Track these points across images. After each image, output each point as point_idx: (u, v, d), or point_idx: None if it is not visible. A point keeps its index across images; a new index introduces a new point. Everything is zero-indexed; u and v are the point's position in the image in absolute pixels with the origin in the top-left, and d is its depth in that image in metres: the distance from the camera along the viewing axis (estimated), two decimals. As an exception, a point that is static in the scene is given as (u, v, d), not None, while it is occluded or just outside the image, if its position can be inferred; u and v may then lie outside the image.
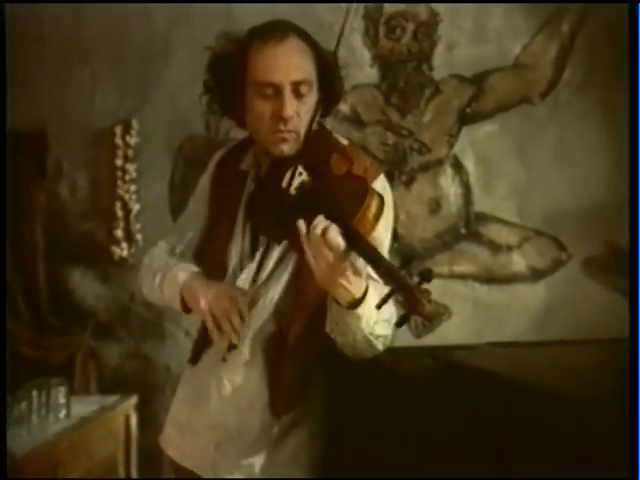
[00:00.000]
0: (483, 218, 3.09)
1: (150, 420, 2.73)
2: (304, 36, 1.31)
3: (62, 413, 2.45)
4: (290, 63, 1.27)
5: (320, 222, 1.12)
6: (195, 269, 1.39)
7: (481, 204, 3.09)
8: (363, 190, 1.18)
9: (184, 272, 1.37)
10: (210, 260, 1.41)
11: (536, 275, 3.08)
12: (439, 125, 3.09)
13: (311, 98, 1.29)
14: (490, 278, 3.07)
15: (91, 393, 2.91)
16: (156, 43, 3.00)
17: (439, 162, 3.10)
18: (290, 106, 1.27)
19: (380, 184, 1.31)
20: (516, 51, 3.08)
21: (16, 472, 2.03)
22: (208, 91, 1.38)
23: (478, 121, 3.10)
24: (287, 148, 1.30)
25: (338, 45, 1.27)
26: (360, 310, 1.17)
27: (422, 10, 3.09)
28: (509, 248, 3.08)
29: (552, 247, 3.07)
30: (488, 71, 3.08)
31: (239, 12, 2.88)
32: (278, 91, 1.27)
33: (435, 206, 3.10)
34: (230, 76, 1.31)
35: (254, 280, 1.28)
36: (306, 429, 1.38)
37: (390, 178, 3.09)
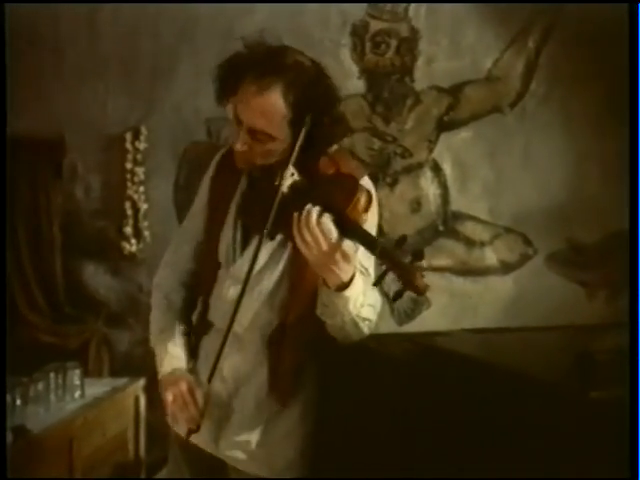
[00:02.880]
0: (459, 216, 3.12)
1: (157, 400, 2.71)
2: (292, 85, 1.22)
3: (77, 393, 2.45)
4: (256, 116, 1.23)
5: (314, 210, 1.12)
6: (178, 361, 1.38)
7: (457, 204, 3.12)
8: (353, 186, 1.18)
9: (168, 364, 1.37)
10: (208, 255, 1.39)
11: (506, 268, 3.11)
12: (420, 132, 3.11)
13: (274, 145, 1.25)
14: (465, 271, 3.10)
15: (104, 375, 2.91)
16: (163, 57, 3.00)
17: (420, 165, 3.11)
18: (242, 143, 1.25)
19: (365, 182, 1.29)
20: (488, 65, 3.11)
21: (35, 446, 2.04)
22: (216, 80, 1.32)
23: (454, 128, 3.12)
24: (261, 163, 1.28)
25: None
26: (347, 292, 1.17)
27: (404, 28, 3.10)
28: (482, 244, 3.11)
29: (520, 243, 3.11)
30: (463, 83, 3.11)
31: (239, 29, 2.88)
32: (241, 123, 1.25)
33: (416, 205, 3.12)
34: (229, 83, 1.29)
35: (249, 271, 1.25)
36: (298, 408, 1.36)
37: (375, 180, 3.14)
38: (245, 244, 1.33)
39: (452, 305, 3.05)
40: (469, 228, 3.11)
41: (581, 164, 3.12)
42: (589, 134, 3.10)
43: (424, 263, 3.06)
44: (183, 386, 1.31)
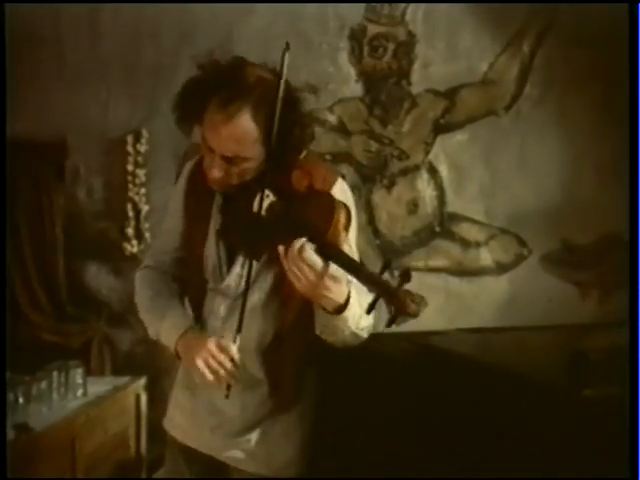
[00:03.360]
0: (455, 218, 3.12)
1: (158, 399, 2.72)
2: (259, 104, 1.18)
3: (79, 392, 2.45)
4: (228, 144, 1.19)
5: (296, 244, 1.10)
6: (185, 320, 1.32)
7: (453, 205, 3.12)
8: (330, 206, 1.15)
9: (175, 329, 1.31)
10: (190, 268, 1.37)
11: (501, 269, 3.12)
12: (416, 134, 3.11)
13: (249, 164, 1.22)
14: (461, 271, 3.10)
15: (105, 374, 2.90)
16: (164, 60, 2.98)
17: (416, 167, 3.12)
18: (216, 171, 1.22)
19: (339, 188, 1.27)
20: (483, 69, 3.12)
21: (37, 443, 2.04)
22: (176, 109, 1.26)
23: (450, 131, 3.12)
24: (233, 184, 1.24)
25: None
26: (345, 313, 1.15)
27: (401, 32, 3.10)
28: (477, 244, 3.11)
29: (515, 244, 3.11)
30: (459, 86, 3.11)
31: (238, 33, 2.88)
32: (213, 151, 1.21)
33: (413, 207, 3.12)
34: (191, 110, 1.24)
35: (246, 284, 1.23)
36: (297, 408, 1.35)
37: (372, 182, 3.16)
38: (231, 262, 1.30)
39: (448, 305, 3.05)
40: (465, 229, 3.11)
41: (575, 166, 3.12)
42: (583, 136, 3.10)
43: (421, 264, 3.07)
44: (211, 344, 1.23)
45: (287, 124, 1.20)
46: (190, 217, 1.37)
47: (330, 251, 1.10)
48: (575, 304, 3.06)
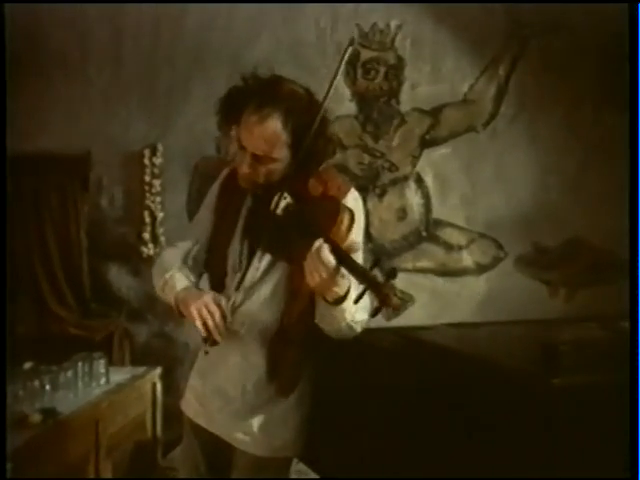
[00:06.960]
0: (439, 223, 3.14)
1: (172, 387, 2.74)
2: (290, 112, 1.23)
3: (102, 380, 2.46)
4: (259, 142, 1.23)
5: (314, 244, 1.13)
6: (190, 281, 1.33)
7: (438, 212, 3.14)
8: (336, 209, 1.19)
9: (180, 282, 1.31)
10: (214, 260, 1.39)
11: (480, 269, 3.14)
12: (405, 148, 3.14)
13: (275, 165, 1.26)
14: (444, 272, 3.13)
15: (125, 364, 2.91)
16: (178, 82, 3.01)
17: (405, 178, 3.14)
18: (246, 166, 1.26)
19: (351, 197, 1.30)
20: (464, 90, 3.14)
21: (65, 426, 2.05)
22: (219, 112, 1.31)
23: (435, 145, 3.15)
24: (260, 182, 1.27)
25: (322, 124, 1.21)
26: (344, 305, 1.18)
27: (391, 56, 3.13)
28: (459, 248, 3.13)
29: (492, 247, 3.14)
30: (443, 105, 3.14)
31: (246, 58, 2.90)
32: (245, 149, 1.26)
33: (402, 214, 3.14)
34: (231, 114, 1.30)
35: (242, 279, 1.27)
36: (295, 395, 1.36)
37: (365, 191, 3.18)
38: (250, 257, 1.32)
39: (433, 302, 3.07)
40: (448, 234, 3.13)
41: (545, 177, 3.16)
42: (551, 151, 3.14)
43: (410, 266, 3.09)
44: (207, 297, 1.24)
45: (314, 134, 1.24)
46: (220, 215, 1.39)
47: (338, 251, 1.12)
48: (545, 301, 3.08)
